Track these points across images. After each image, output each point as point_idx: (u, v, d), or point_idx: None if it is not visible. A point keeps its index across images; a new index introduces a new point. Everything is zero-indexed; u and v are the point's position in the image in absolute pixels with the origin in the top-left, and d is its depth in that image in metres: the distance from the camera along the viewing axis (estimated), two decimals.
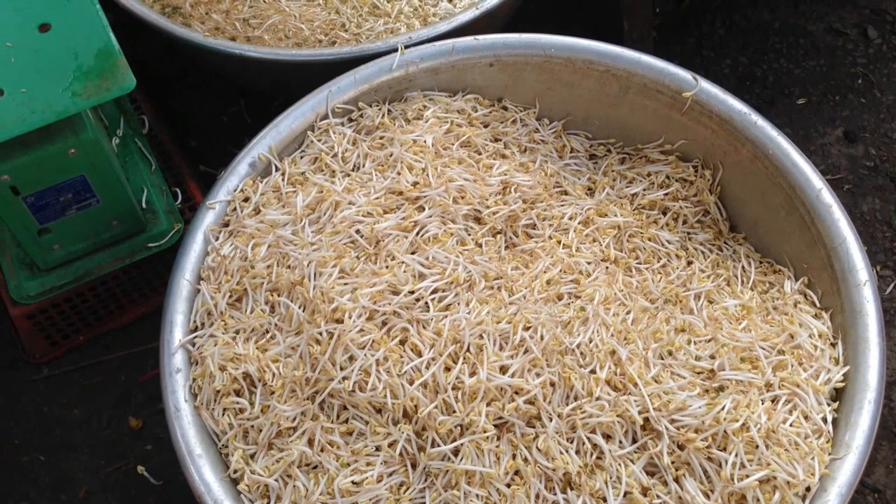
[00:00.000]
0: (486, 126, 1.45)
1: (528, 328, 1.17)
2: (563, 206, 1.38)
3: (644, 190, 1.43)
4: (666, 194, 1.42)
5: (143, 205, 1.54)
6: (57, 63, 1.25)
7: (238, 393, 1.19)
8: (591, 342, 1.17)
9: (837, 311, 1.24)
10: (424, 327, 1.17)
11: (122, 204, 1.46)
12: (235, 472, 1.15)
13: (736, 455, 1.08)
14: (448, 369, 1.14)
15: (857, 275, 1.22)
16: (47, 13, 1.29)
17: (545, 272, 1.27)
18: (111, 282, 1.60)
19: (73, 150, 1.31)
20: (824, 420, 1.15)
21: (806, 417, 1.14)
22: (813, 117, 2.00)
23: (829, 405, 1.16)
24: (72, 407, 1.66)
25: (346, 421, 1.15)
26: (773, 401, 1.15)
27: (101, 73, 1.24)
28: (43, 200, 1.36)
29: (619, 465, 1.10)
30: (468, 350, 1.15)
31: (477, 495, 1.09)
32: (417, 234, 1.27)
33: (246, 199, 1.34)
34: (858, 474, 1.10)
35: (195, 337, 1.23)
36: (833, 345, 1.22)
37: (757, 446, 1.09)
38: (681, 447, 1.11)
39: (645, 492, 1.10)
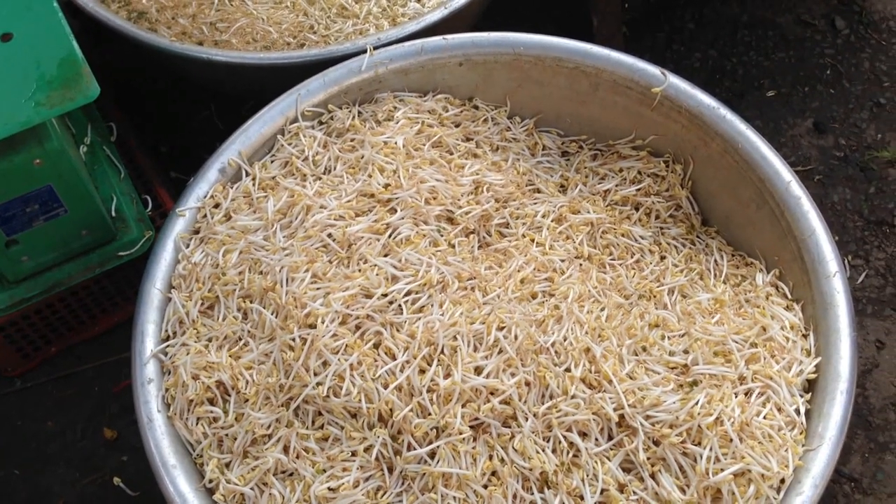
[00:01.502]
0: (457, 126, 1.45)
1: (502, 328, 1.17)
2: (535, 203, 1.38)
3: (616, 186, 1.43)
4: (638, 190, 1.43)
5: (113, 213, 1.53)
6: (19, 73, 1.23)
7: (212, 402, 1.18)
8: (565, 340, 1.17)
9: (809, 303, 1.25)
10: (398, 330, 1.17)
11: (91, 213, 1.44)
12: (211, 481, 1.14)
13: (710, 449, 1.09)
14: (422, 372, 1.13)
15: (827, 266, 1.23)
16: (9, 23, 1.27)
17: (519, 271, 1.27)
18: (82, 292, 1.58)
19: (38, 161, 1.29)
20: (797, 412, 1.15)
21: (779, 409, 1.15)
22: (783, 109, 2.01)
23: (801, 397, 1.17)
24: (46, 419, 1.64)
25: (322, 427, 1.14)
26: (746, 394, 1.15)
27: (64, 82, 1.23)
28: (9, 212, 1.34)
29: (596, 462, 1.10)
30: (442, 352, 1.14)
31: (454, 497, 1.09)
32: (390, 236, 1.27)
33: (216, 206, 1.33)
34: (832, 464, 1.11)
35: (167, 346, 1.22)
36: (805, 336, 1.23)
37: (731, 440, 1.10)
38: (656, 443, 1.11)
39: (622, 488, 1.10)
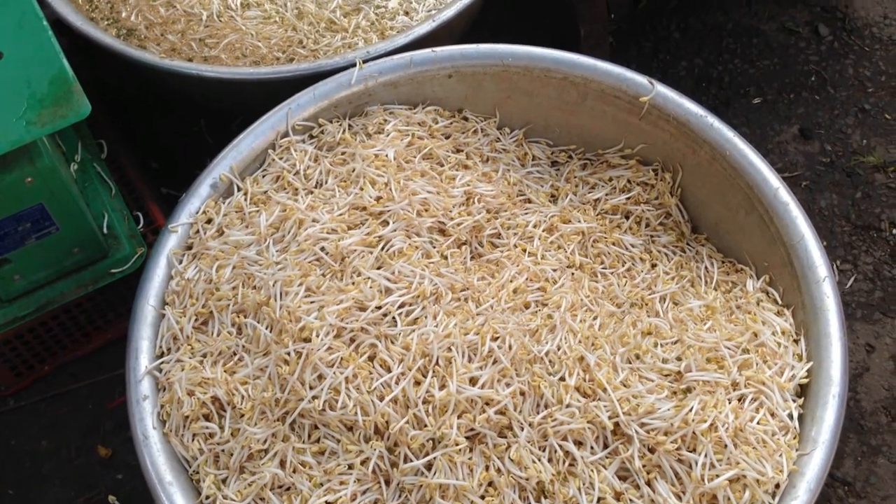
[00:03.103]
0: (447, 137, 1.46)
1: (496, 338, 1.17)
2: (526, 214, 1.39)
3: (606, 195, 1.44)
4: (628, 198, 1.44)
5: (105, 230, 1.53)
6: (10, 91, 1.23)
7: (207, 417, 1.18)
8: (559, 349, 1.18)
9: (799, 308, 1.26)
10: (393, 342, 1.17)
11: (83, 231, 1.44)
12: (207, 497, 1.14)
13: (705, 455, 1.10)
14: (418, 383, 1.14)
15: (817, 271, 1.24)
16: None
17: (511, 281, 1.27)
18: (75, 309, 1.58)
19: (30, 179, 1.29)
20: (790, 416, 1.16)
21: (772, 415, 1.16)
22: (769, 116, 2.03)
23: (794, 401, 1.18)
24: (40, 438, 1.63)
25: (318, 440, 1.14)
26: (739, 400, 1.16)
27: (55, 101, 1.23)
28: (1, 231, 1.34)
29: (592, 471, 1.11)
30: (437, 363, 1.15)
31: None
32: (382, 248, 1.27)
33: (209, 221, 1.33)
34: (826, 468, 1.11)
35: (161, 362, 1.22)
36: (796, 341, 1.24)
37: (725, 446, 1.10)
38: (651, 450, 1.12)
39: (618, 496, 1.10)
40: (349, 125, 1.43)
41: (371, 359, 1.16)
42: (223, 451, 1.16)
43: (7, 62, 1.26)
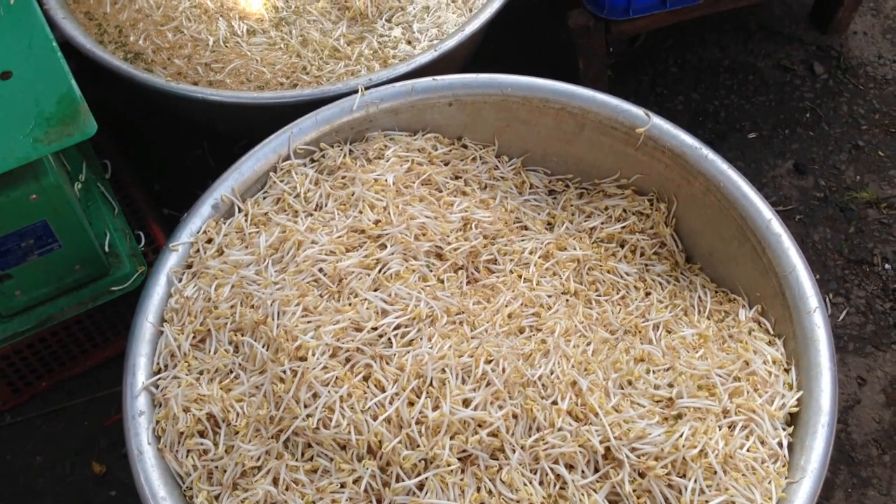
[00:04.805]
0: (446, 164, 1.48)
1: (489, 361, 1.19)
2: (523, 240, 1.40)
3: (602, 223, 1.46)
4: (623, 227, 1.46)
5: (106, 248, 1.54)
6: (18, 110, 1.26)
7: (202, 434, 1.19)
8: (552, 374, 1.19)
9: (790, 338, 1.27)
10: (388, 363, 1.18)
11: (85, 248, 1.46)
12: None
13: (695, 481, 1.10)
14: (411, 404, 1.15)
15: (808, 302, 1.25)
16: (9, 61, 1.30)
17: (506, 306, 1.29)
18: (74, 326, 1.59)
19: (34, 196, 1.31)
20: (780, 444, 1.17)
21: (762, 442, 1.17)
22: (764, 150, 2.06)
23: (784, 430, 1.19)
24: (35, 454, 1.64)
25: (311, 458, 1.15)
26: (730, 427, 1.17)
27: (62, 119, 1.25)
28: (4, 246, 1.36)
29: (583, 494, 1.11)
30: (431, 384, 1.16)
31: None
32: (380, 271, 1.29)
33: (209, 241, 1.35)
34: (815, 496, 1.12)
35: (158, 379, 1.23)
36: (787, 370, 1.26)
37: (715, 472, 1.11)
38: (642, 475, 1.13)
39: None
40: (350, 150, 1.46)
41: (366, 379, 1.18)
42: (217, 467, 1.16)
43: (16, 81, 1.29)
